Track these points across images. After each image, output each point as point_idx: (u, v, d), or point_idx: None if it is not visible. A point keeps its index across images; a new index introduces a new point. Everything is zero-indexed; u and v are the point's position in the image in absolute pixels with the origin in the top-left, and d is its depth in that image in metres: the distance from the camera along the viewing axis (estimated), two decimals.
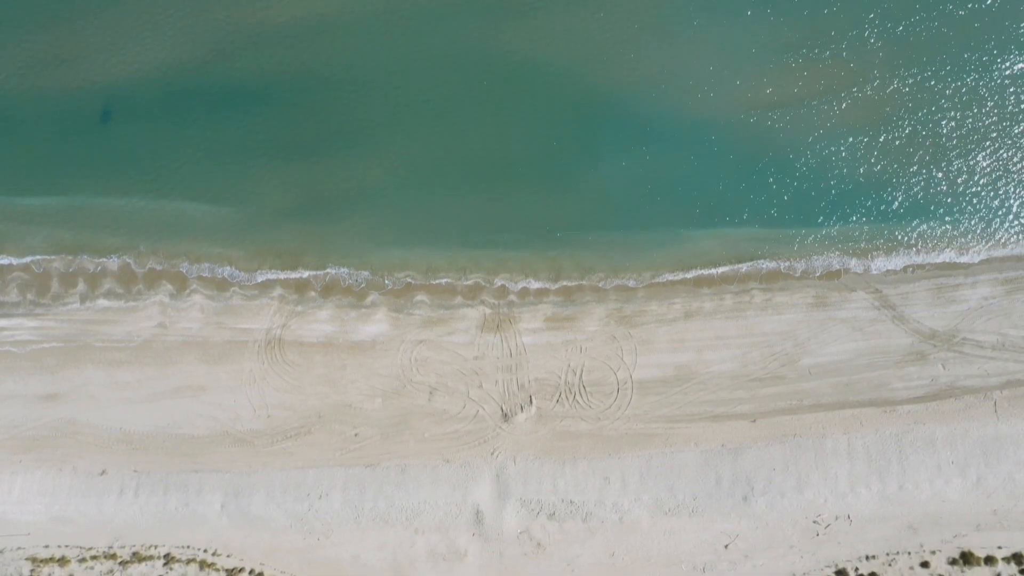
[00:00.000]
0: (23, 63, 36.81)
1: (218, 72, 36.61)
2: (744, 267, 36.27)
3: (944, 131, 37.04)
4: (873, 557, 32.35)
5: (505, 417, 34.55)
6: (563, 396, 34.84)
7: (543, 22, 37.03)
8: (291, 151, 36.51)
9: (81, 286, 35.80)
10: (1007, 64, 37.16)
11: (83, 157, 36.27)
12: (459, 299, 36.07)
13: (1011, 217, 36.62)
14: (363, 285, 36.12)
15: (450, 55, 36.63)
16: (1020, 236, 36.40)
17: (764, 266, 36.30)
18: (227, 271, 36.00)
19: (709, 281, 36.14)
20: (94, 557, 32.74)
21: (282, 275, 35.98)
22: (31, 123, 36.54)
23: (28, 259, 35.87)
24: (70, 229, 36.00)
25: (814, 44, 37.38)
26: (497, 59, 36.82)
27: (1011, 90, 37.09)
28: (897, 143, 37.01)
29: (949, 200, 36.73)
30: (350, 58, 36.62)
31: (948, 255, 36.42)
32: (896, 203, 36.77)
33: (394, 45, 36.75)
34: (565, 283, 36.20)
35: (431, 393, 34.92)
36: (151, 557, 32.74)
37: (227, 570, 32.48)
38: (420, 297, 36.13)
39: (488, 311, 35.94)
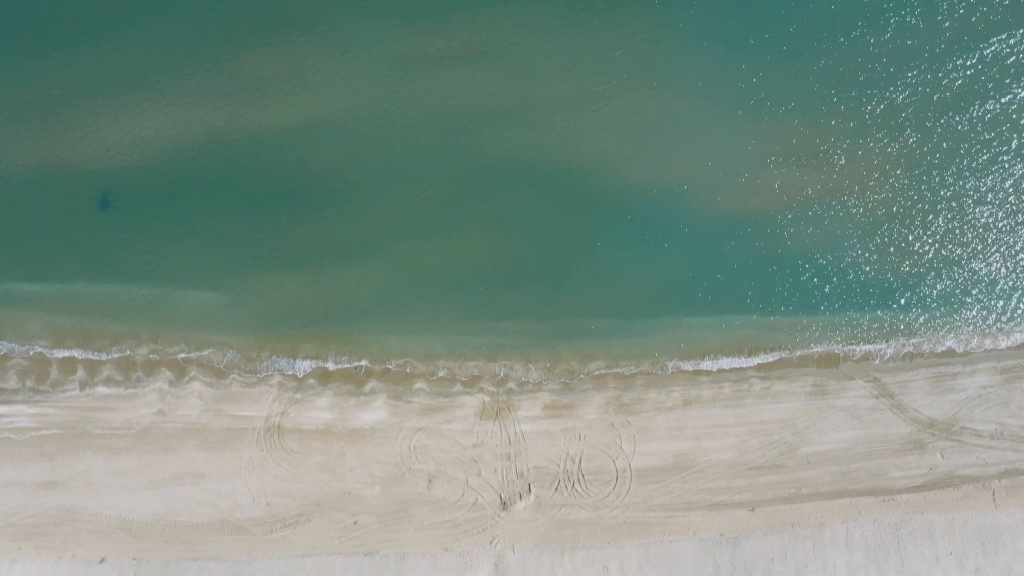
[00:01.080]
0: (22, 150, 36.60)
1: (218, 164, 36.38)
2: (743, 359, 36.25)
3: (946, 227, 36.99)
4: None
5: (504, 505, 34.54)
6: (562, 484, 34.82)
7: (541, 119, 36.78)
8: (290, 244, 36.23)
9: (80, 372, 35.72)
10: (1012, 164, 37.16)
11: (82, 244, 36.01)
12: (458, 386, 36.00)
13: (1011, 308, 36.58)
14: (362, 372, 36.10)
15: (448, 154, 36.40)
16: (1018, 326, 36.42)
17: (763, 355, 36.27)
18: (226, 358, 35.93)
19: (707, 369, 36.12)
20: None
21: (282, 363, 35.96)
22: (30, 209, 36.22)
23: (28, 348, 35.79)
24: (70, 315, 35.78)
25: (818, 142, 37.24)
26: (495, 158, 36.57)
27: (1012, 188, 37.07)
28: (899, 238, 36.96)
29: (949, 290, 36.70)
30: (345, 157, 36.43)
31: (948, 344, 36.34)
32: (896, 294, 36.71)
33: (390, 148, 36.50)
34: (565, 374, 36.09)
35: (430, 481, 34.90)
36: None
37: None
38: (419, 385, 36.08)
39: (487, 398, 35.88)
